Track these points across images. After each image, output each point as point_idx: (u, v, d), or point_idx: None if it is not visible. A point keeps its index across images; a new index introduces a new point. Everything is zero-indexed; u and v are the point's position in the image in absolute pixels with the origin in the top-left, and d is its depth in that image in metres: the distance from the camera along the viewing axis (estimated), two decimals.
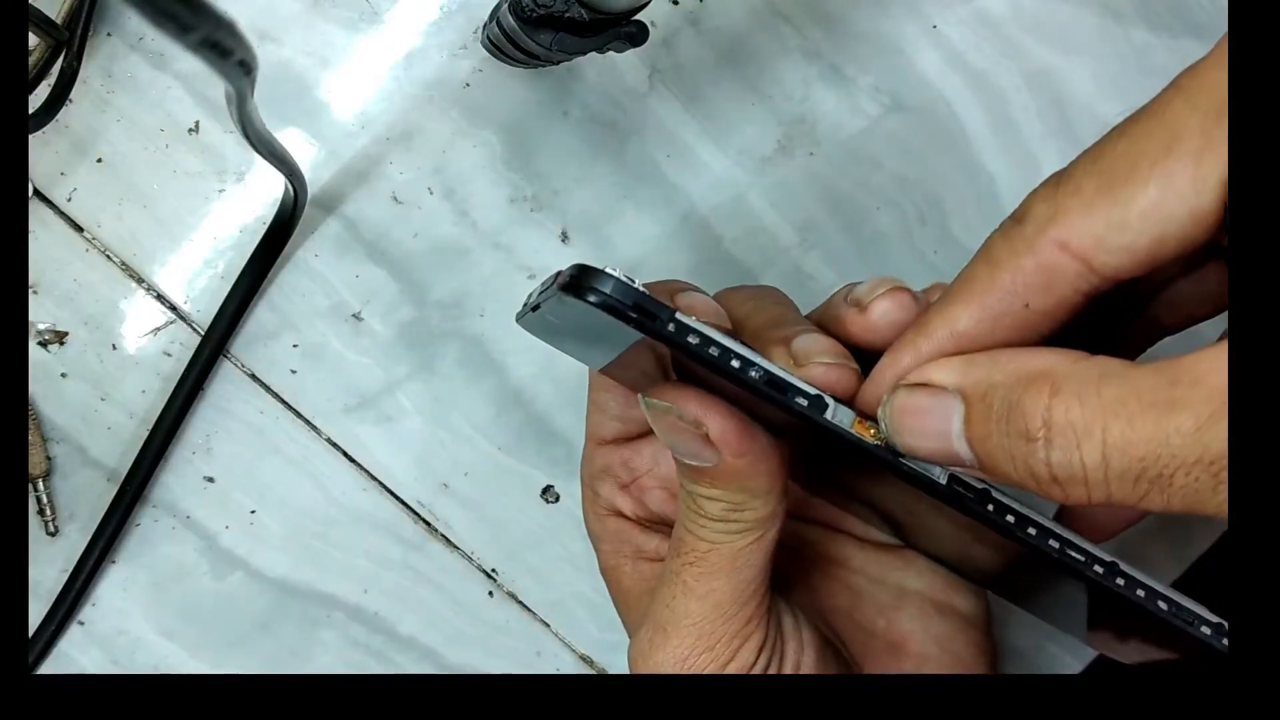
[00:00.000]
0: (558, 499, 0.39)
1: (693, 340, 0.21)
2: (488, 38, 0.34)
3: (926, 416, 0.21)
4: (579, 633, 0.39)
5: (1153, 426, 0.18)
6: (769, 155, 0.38)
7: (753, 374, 0.21)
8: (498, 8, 0.32)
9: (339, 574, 0.38)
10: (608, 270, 0.21)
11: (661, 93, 0.38)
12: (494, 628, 0.39)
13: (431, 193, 0.37)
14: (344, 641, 0.38)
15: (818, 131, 0.38)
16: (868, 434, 0.22)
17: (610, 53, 0.32)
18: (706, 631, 0.25)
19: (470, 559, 0.39)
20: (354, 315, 0.37)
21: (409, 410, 0.38)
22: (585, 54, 0.32)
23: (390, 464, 0.38)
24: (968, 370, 0.21)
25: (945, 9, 0.38)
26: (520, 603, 0.39)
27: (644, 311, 0.21)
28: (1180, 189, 0.19)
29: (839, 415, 0.22)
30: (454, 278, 0.37)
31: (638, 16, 0.31)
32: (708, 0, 0.37)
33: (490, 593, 0.39)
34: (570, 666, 0.39)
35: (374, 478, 0.38)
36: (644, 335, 0.21)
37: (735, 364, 0.21)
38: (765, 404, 0.22)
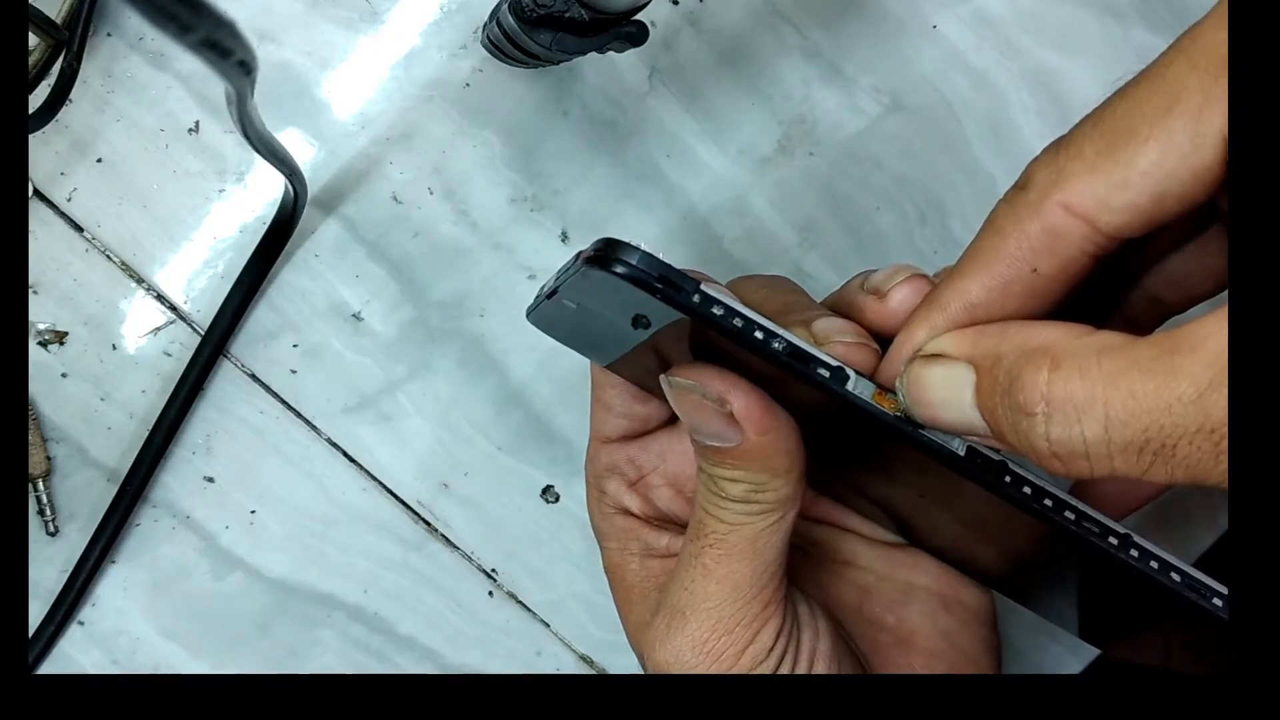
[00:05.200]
0: (558, 499, 0.39)
1: (717, 311, 0.21)
2: (488, 38, 0.34)
3: (941, 387, 0.21)
4: (579, 633, 0.39)
5: (1154, 396, 0.18)
6: (769, 155, 0.38)
7: (776, 345, 0.22)
8: (498, 8, 0.32)
9: (339, 574, 0.38)
10: (633, 243, 0.21)
11: (661, 93, 0.38)
12: (494, 628, 0.39)
13: (431, 193, 0.37)
14: (344, 641, 0.38)
15: (818, 131, 0.38)
16: (888, 406, 0.22)
17: (610, 53, 0.32)
18: (726, 614, 0.25)
19: (470, 559, 0.39)
20: (354, 315, 0.37)
21: (409, 410, 0.38)
22: (585, 54, 0.32)
23: (390, 464, 0.38)
24: (978, 341, 0.21)
25: (945, 9, 0.38)
26: (520, 603, 0.39)
27: (670, 283, 0.21)
28: (1181, 147, 0.19)
29: (860, 387, 0.22)
30: (454, 278, 0.37)
31: (638, 16, 0.31)
32: (708, 0, 0.37)
33: (490, 593, 0.39)
34: (570, 666, 0.39)
35: (374, 478, 0.38)
36: (667, 316, 0.21)
37: (759, 335, 0.22)
38: (785, 383, 0.22)
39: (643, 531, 0.29)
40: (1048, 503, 0.23)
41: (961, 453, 0.22)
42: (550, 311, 0.24)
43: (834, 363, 0.22)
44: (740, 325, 0.21)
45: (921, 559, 0.30)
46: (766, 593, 0.25)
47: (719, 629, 0.25)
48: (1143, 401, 0.18)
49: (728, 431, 0.23)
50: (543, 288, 0.24)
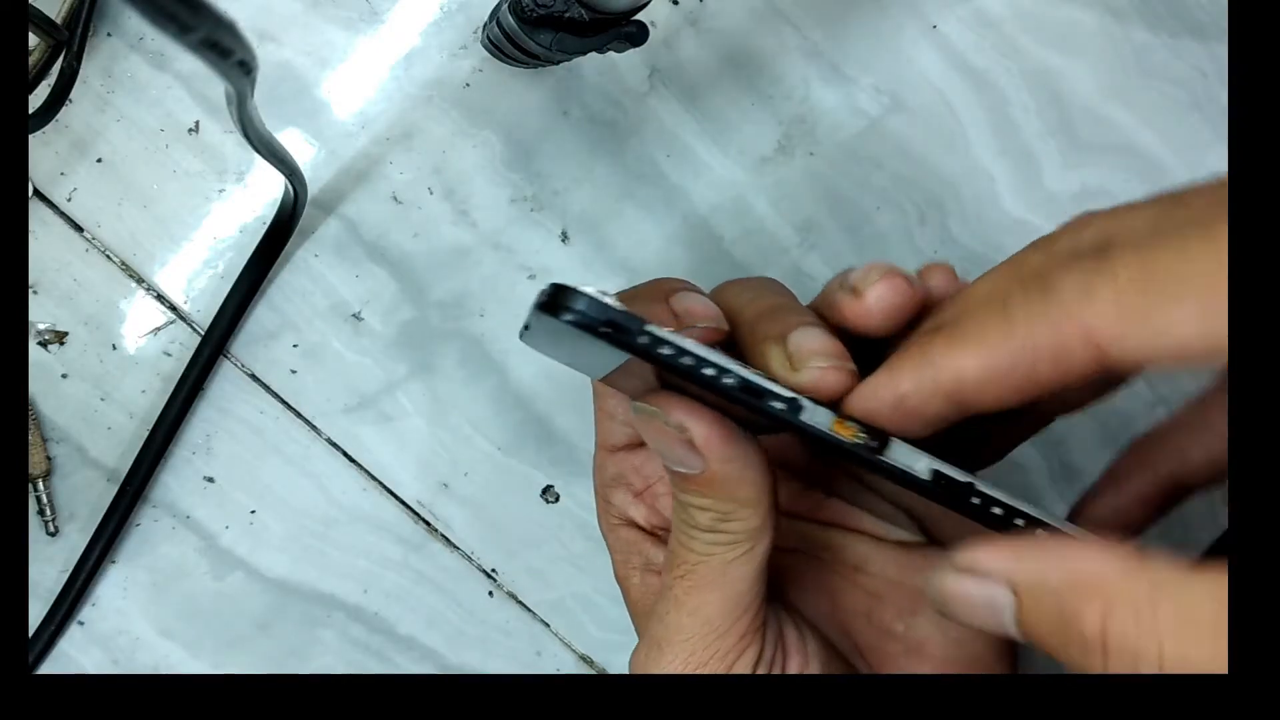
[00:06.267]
0: (558, 499, 0.39)
1: (665, 351, 0.22)
2: (488, 38, 0.34)
3: (978, 607, 0.22)
4: (579, 633, 0.39)
5: (1210, 651, 0.18)
6: (769, 155, 0.38)
7: (727, 381, 0.22)
8: (498, 8, 0.32)
9: (339, 574, 0.38)
10: (581, 288, 0.21)
11: (661, 93, 0.38)
12: (494, 628, 0.39)
13: (431, 193, 0.37)
14: (344, 641, 0.38)
15: (818, 131, 0.38)
16: (847, 433, 0.22)
17: (610, 53, 0.32)
18: (699, 648, 0.25)
19: (470, 559, 0.39)
20: (354, 315, 0.37)
21: (409, 410, 0.38)
22: (585, 54, 0.32)
23: (390, 464, 0.38)
24: (1018, 562, 0.21)
25: (945, 9, 0.38)
26: (520, 603, 0.39)
27: (616, 327, 0.21)
28: (1221, 316, 0.19)
29: (816, 416, 0.22)
30: (454, 278, 0.37)
31: (638, 16, 0.31)
32: (708, 0, 0.37)
33: (490, 593, 0.39)
34: (570, 666, 0.39)
35: (374, 478, 0.38)
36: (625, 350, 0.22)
37: (709, 372, 0.22)
38: (745, 409, 0.22)
39: (644, 546, 0.29)
40: (1019, 522, 0.23)
41: (927, 477, 0.23)
42: (534, 339, 0.24)
43: (787, 394, 0.22)
44: (690, 364, 0.22)
45: (934, 562, 0.30)
46: (740, 625, 0.25)
47: (691, 662, 0.25)
48: (1199, 654, 0.18)
49: (690, 458, 0.23)
50: (526, 316, 0.24)
